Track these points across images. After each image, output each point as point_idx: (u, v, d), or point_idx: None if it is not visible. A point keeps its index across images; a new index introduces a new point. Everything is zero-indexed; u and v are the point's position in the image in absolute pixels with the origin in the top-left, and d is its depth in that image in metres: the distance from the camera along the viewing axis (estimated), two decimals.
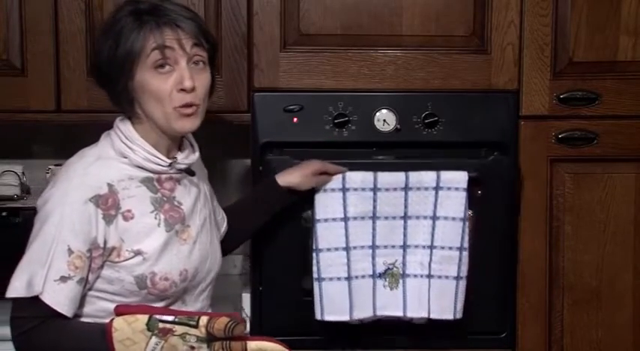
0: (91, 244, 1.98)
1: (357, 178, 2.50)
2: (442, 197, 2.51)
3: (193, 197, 2.17)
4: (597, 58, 2.62)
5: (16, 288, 1.97)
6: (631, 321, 2.68)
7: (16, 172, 2.90)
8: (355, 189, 2.50)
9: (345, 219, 2.49)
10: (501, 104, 2.60)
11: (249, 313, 2.60)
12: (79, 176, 2.02)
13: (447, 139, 2.59)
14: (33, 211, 2.72)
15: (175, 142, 2.15)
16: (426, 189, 2.52)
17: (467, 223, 2.52)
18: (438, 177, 2.51)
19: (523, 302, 2.63)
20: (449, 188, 2.51)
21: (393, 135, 2.58)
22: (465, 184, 2.51)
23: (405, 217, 2.53)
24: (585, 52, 2.62)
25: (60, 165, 2.89)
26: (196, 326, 1.91)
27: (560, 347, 2.68)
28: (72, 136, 3.04)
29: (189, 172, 2.16)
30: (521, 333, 2.64)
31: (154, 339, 1.90)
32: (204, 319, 1.92)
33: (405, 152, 2.61)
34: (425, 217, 2.52)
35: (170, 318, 1.92)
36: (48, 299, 1.95)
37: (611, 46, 2.62)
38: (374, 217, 2.51)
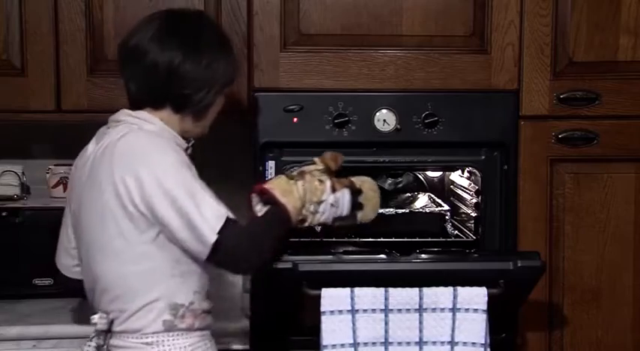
0: None
1: (367, 296, 2.27)
2: (460, 320, 2.29)
3: None
4: (597, 58, 2.62)
5: (213, 227, 2.06)
6: (631, 321, 2.68)
7: (16, 172, 2.90)
8: (365, 310, 2.27)
9: (355, 345, 2.28)
10: (501, 104, 2.61)
11: (249, 313, 2.60)
12: (171, 149, 2.14)
13: (447, 139, 2.59)
14: (33, 211, 2.75)
15: None
16: (442, 310, 2.29)
17: (488, 350, 2.32)
18: (455, 296, 2.28)
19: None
20: (467, 310, 2.29)
21: (393, 135, 2.58)
22: (484, 305, 2.28)
23: (421, 343, 2.30)
24: (585, 52, 2.62)
25: (60, 165, 2.91)
26: (315, 163, 2.34)
27: (560, 347, 2.68)
28: (72, 136, 3.06)
29: (192, 158, 2.25)
30: (521, 333, 2.64)
31: (299, 183, 2.26)
32: (316, 158, 2.35)
33: (405, 152, 2.61)
34: (442, 343, 2.30)
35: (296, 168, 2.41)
36: (231, 214, 2.11)
37: (611, 46, 2.62)
38: (386, 344, 2.30)
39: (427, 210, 2.90)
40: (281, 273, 2.23)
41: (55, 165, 2.93)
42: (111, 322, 2.14)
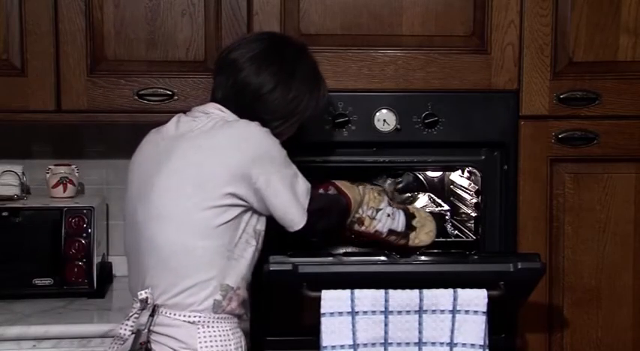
0: None
1: (367, 298, 2.27)
2: (460, 322, 2.29)
3: None
4: (597, 58, 2.62)
5: (303, 205, 2.22)
6: (631, 321, 2.68)
7: (16, 172, 2.90)
8: (365, 312, 2.27)
9: (355, 346, 2.28)
10: (501, 104, 2.60)
11: (249, 313, 2.60)
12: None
13: (447, 139, 2.59)
14: (33, 211, 2.75)
15: None
16: (442, 312, 2.29)
17: None
18: (455, 298, 2.28)
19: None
20: (467, 312, 2.28)
21: (393, 135, 2.58)
22: (484, 307, 2.27)
23: (420, 344, 2.30)
24: (585, 52, 2.62)
25: (60, 165, 2.91)
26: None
27: (560, 347, 2.68)
28: (72, 136, 3.06)
29: None
30: (521, 333, 2.64)
31: (360, 186, 2.39)
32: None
33: (405, 152, 2.61)
34: (442, 344, 2.30)
35: None
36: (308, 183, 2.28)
37: (611, 46, 2.62)
38: (385, 344, 2.30)
39: (427, 210, 2.90)
40: (281, 275, 2.23)
41: (55, 165, 2.93)
42: (153, 308, 2.17)
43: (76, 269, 2.74)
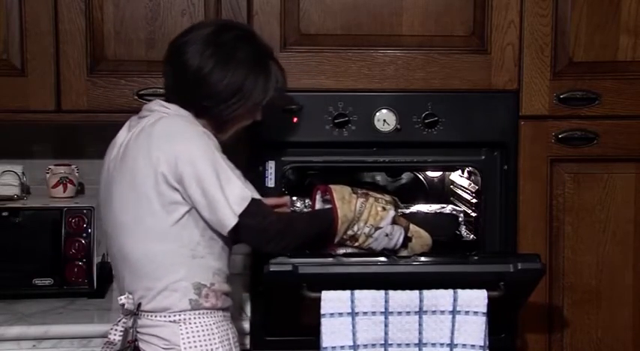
0: None
1: (367, 299, 2.27)
2: (460, 322, 2.29)
3: None
4: (597, 58, 2.62)
5: (235, 209, 2.17)
6: (631, 321, 2.68)
7: (16, 172, 2.90)
8: (365, 313, 2.27)
9: (355, 347, 2.27)
10: (501, 104, 2.60)
11: (249, 313, 2.60)
12: (204, 134, 2.22)
13: (447, 139, 2.59)
14: (33, 211, 2.74)
15: None
16: (442, 313, 2.29)
17: None
18: (455, 298, 2.28)
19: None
20: (467, 312, 2.28)
21: (393, 135, 2.58)
22: (484, 308, 2.27)
23: (420, 345, 2.30)
24: (585, 52, 2.62)
25: (60, 165, 2.91)
26: (384, 194, 2.46)
27: (560, 347, 2.68)
28: (72, 136, 3.06)
29: None
30: (521, 333, 2.64)
31: (360, 200, 2.36)
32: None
33: (405, 152, 2.61)
34: (442, 345, 2.30)
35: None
36: (256, 195, 2.23)
37: (611, 46, 2.62)
38: (385, 345, 2.29)
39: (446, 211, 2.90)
40: (281, 275, 2.23)
41: (55, 165, 2.93)
42: (138, 305, 2.22)
43: (76, 269, 2.74)
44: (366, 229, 2.36)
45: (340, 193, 2.37)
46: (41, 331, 2.52)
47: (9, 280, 2.74)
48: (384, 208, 2.39)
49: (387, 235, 2.37)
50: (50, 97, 2.63)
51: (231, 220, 2.16)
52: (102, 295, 2.80)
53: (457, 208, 2.90)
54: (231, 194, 2.16)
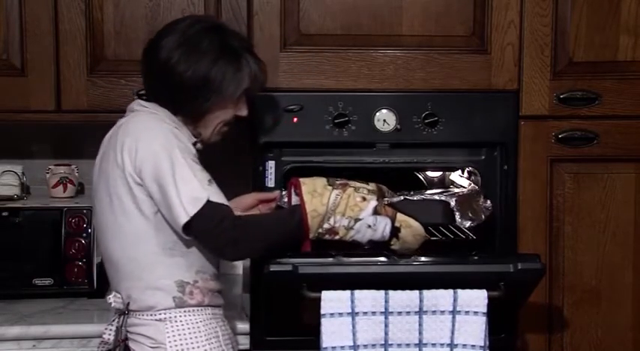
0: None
1: (367, 299, 2.26)
2: (460, 322, 2.28)
3: None
4: (597, 58, 2.62)
5: (187, 208, 2.12)
6: (631, 321, 2.68)
7: (16, 172, 2.91)
8: (365, 313, 2.26)
9: (355, 347, 2.26)
10: (501, 104, 2.60)
11: (249, 313, 2.60)
12: (169, 132, 2.21)
13: (447, 139, 2.59)
14: (33, 211, 2.75)
15: None
16: (442, 313, 2.28)
17: None
18: (455, 299, 2.27)
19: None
20: (467, 312, 2.27)
21: (393, 135, 2.58)
22: (484, 308, 2.27)
23: (420, 345, 2.29)
24: (585, 52, 2.62)
25: (60, 165, 2.91)
26: (368, 183, 2.32)
27: (560, 347, 2.68)
28: (72, 136, 3.06)
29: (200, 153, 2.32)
30: (521, 333, 2.64)
31: (334, 192, 2.27)
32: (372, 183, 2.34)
33: (405, 152, 2.61)
34: (442, 345, 2.29)
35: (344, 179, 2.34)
36: (215, 198, 2.15)
37: (611, 46, 2.62)
38: (385, 345, 2.28)
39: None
40: (281, 275, 2.23)
41: (55, 165, 2.93)
42: (127, 304, 2.24)
43: (76, 269, 2.74)
44: (345, 222, 2.26)
45: (311, 186, 2.28)
46: (41, 331, 2.52)
47: (9, 280, 2.74)
48: (363, 198, 2.28)
49: (369, 226, 2.26)
50: (50, 97, 2.63)
51: (182, 218, 2.12)
52: (102, 295, 2.79)
53: (450, 191, 2.84)
54: (185, 193, 2.12)
